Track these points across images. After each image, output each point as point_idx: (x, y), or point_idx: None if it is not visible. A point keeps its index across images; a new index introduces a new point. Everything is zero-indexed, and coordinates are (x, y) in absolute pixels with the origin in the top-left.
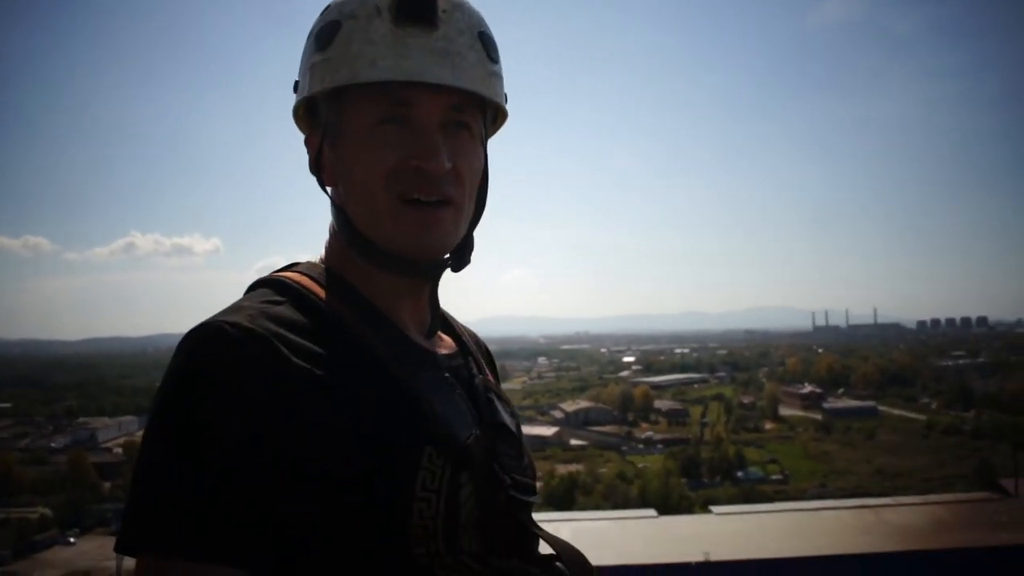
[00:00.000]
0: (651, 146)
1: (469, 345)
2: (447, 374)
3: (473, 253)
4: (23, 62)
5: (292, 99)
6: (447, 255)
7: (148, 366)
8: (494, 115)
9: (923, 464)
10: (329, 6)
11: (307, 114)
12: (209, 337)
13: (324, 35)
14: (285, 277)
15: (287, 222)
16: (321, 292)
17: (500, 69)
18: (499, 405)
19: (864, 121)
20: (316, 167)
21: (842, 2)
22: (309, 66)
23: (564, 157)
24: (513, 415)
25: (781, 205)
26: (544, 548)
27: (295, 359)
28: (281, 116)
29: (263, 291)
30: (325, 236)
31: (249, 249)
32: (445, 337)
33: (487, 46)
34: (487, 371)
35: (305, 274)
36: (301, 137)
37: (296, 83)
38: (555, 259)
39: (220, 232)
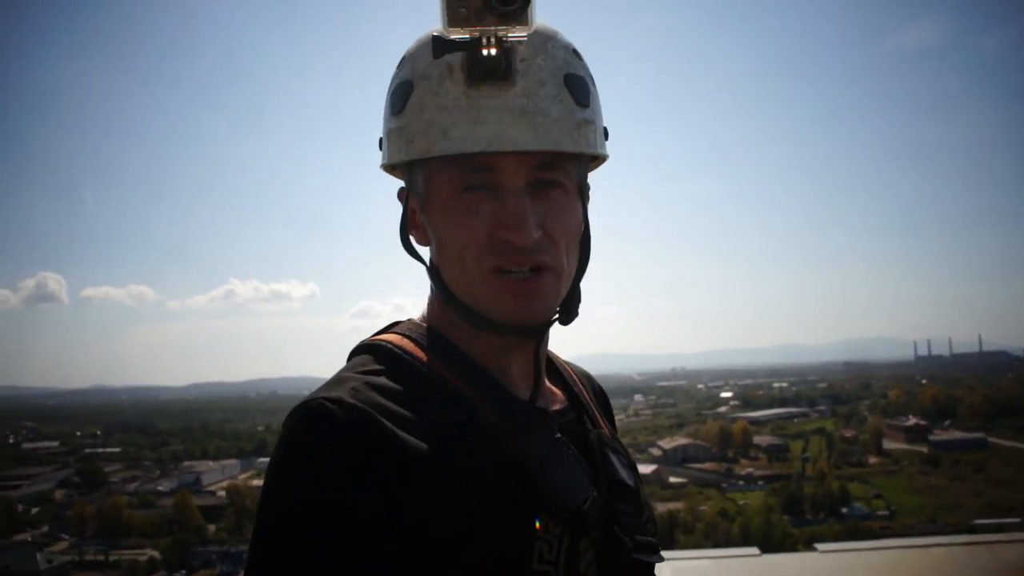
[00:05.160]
0: (741, 178)
1: (581, 396)
2: (558, 433)
3: (580, 304)
4: (126, 121)
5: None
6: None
7: (249, 410)
8: (592, 156)
9: None
10: (404, 59)
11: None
12: (312, 417)
13: (398, 97)
14: (385, 341)
15: (382, 264)
16: (423, 355)
17: (592, 112)
18: (615, 460)
19: (955, 142)
20: (407, 225)
21: (923, 24)
22: (387, 131)
23: (656, 193)
24: (630, 467)
25: (877, 233)
26: None
27: (400, 433)
28: (372, 160)
29: (363, 358)
30: (419, 281)
31: (345, 292)
32: (556, 391)
33: (575, 90)
34: (601, 422)
35: (406, 335)
36: (391, 179)
37: (380, 140)
38: (649, 295)
39: (316, 277)
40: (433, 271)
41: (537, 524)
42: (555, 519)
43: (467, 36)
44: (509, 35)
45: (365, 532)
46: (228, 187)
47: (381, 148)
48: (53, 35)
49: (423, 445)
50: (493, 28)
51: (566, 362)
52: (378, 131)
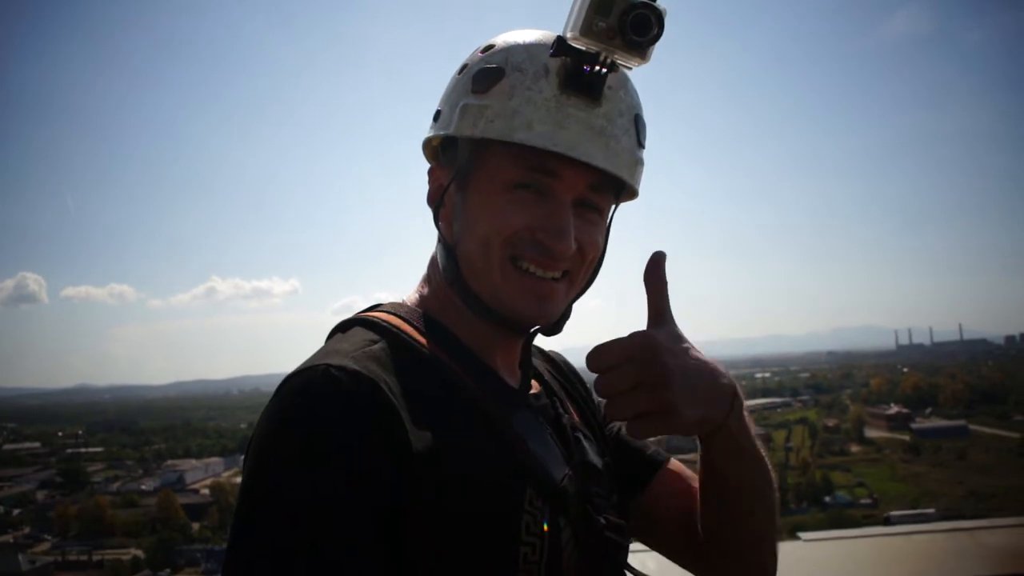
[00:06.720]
0: (725, 169)
1: (552, 384)
2: (537, 414)
3: (567, 322)
4: (106, 121)
5: (368, 141)
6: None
7: (232, 408)
8: (621, 194)
9: (1019, 483)
10: (494, 48)
11: (440, 145)
12: (317, 382)
13: (484, 79)
14: (375, 317)
15: (365, 259)
16: (413, 332)
17: (643, 155)
18: (586, 444)
19: (939, 134)
20: (436, 200)
21: (909, 15)
22: (461, 105)
23: (645, 185)
24: (601, 453)
25: (861, 224)
26: None
27: (404, 405)
28: (358, 158)
29: (357, 330)
30: (405, 274)
31: (328, 288)
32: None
33: (639, 131)
34: (571, 408)
35: (394, 314)
36: (379, 178)
37: (437, 112)
38: (630, 288)
39: (298, 273)
40: (447, 248)
41: (527, 499)
42: (539, 494)
43: (588, 49)
44: (623, 62)
45: (362, 502)
46: (209, 185)
47: (436, 120)
48: (37, 36)
49: (420, 414)
50: (615, 50)
51: (539, 348)
52: (369, 130)
